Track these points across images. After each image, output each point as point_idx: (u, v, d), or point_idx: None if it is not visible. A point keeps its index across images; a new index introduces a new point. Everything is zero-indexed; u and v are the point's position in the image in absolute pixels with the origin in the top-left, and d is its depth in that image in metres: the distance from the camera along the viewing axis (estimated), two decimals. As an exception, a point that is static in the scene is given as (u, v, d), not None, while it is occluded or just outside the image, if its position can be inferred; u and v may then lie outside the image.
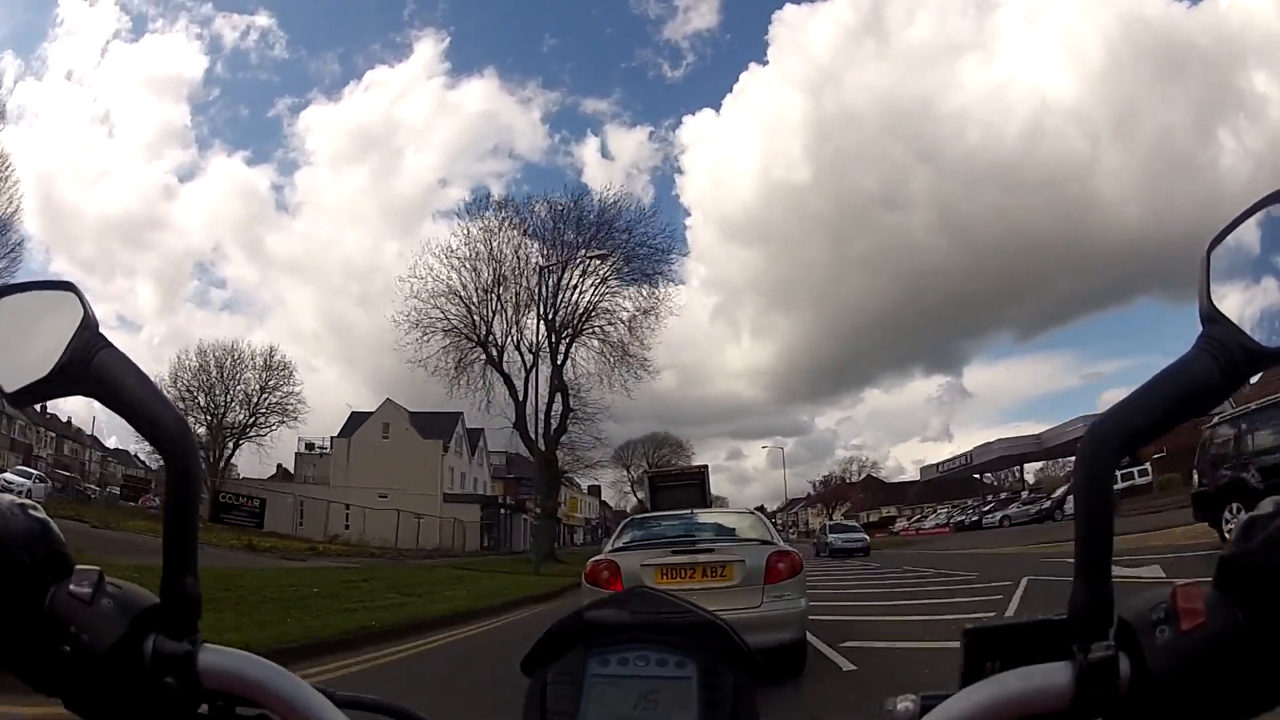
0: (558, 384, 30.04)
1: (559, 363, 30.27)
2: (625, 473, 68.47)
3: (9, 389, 0.52)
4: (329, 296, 79.51)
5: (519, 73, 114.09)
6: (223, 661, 0.49)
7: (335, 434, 47.34)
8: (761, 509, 7.90)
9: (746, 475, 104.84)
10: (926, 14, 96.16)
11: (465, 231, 31.09)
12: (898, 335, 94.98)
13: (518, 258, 30.41)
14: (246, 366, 45.61)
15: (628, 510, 52.40)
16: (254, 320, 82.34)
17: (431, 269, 30.20)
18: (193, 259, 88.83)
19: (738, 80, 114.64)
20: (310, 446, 50.13)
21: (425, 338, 29.69)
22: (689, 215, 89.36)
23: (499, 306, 30.41)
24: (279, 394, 46.09)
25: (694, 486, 17.07)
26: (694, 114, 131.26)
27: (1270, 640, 0.40)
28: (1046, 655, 0.45)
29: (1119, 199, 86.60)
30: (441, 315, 29.88)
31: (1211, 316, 0.45)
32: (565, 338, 30.58)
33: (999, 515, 34.40)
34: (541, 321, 30.05)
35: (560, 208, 31.18)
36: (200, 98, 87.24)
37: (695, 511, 6.99)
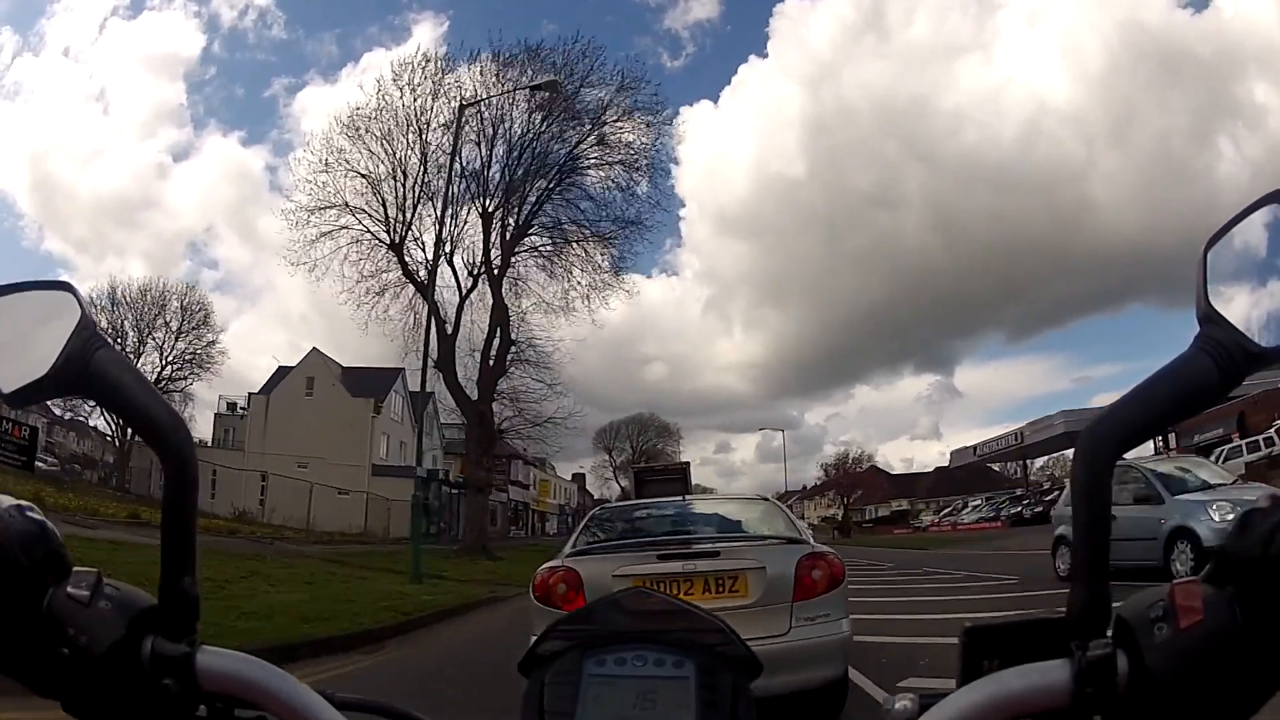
0: (499, 311, 22.13)
1: (496, 274, 22.22)
2: (608, 457, 63.69)
3: (7, 390, 0.51)
4: (319, 279, 72.41)
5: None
6: (221, 663, 0.49)
7: (255, 391, 39.87)
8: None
9: (734, 468, 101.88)
10: (927, 13, 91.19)
11: (377, 91, 22.72)
12: (890, 332, 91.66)
13: (448, 128, 21.85)
14: (164, 309, 39.06)
15: (611, 499, 45.44)
16: (245, 302, 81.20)
17: (340, 150, 22.32)
18: (185, 239, 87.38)
19: (736, 72, 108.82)
20: (232, 407, 42.84)
21: (321, 237, 22.05)
22: (684, 206, 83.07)
23: (421, 193, 22.38)
24: (197, 342, 39.45)
25: (677, 481, 16.08)
26: (691, 105, 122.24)
27: (1268, 637, 0.40)
28: (1045, 654, 0.45)
29: (1115, 203, 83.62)
30: (342, 201, 22.08)
31: (1209, 316, 0.45)
32: (509, 236, 22.61)
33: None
34: (476, 213, 22.23)
35: (509, 56, 23.04)
36: (196, 76, 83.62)
37: (690, 498, 5.79)
